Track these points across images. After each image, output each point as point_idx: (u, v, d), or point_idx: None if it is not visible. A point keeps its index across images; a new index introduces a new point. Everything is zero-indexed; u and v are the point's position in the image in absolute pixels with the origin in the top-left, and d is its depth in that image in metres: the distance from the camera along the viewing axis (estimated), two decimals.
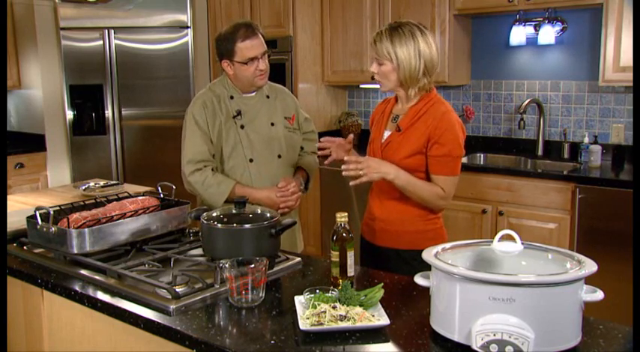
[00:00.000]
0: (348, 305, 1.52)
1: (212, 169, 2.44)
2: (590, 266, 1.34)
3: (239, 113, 2.48)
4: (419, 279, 1.51)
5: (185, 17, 5.18)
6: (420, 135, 2.11)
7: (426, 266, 1.59)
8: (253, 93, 2.52)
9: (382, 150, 2.20)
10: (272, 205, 2.40)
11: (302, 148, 2.67)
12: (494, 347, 1.28)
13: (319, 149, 2.30)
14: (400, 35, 2.09)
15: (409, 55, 2.08)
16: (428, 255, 1.45)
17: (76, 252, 1.92)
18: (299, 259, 1.99)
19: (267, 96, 2.56)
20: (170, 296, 1.64)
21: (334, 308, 1.50)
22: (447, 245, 1.52)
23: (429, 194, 2.11)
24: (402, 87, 2.16)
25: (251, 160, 2.47)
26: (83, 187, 3.32)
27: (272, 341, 1.42)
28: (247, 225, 1.83)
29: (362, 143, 4.98)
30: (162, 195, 2.30)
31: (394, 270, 2.00)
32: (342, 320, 1.46)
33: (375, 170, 2.07)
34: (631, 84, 3.61)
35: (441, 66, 4.19)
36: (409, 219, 2.18)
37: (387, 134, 2.22)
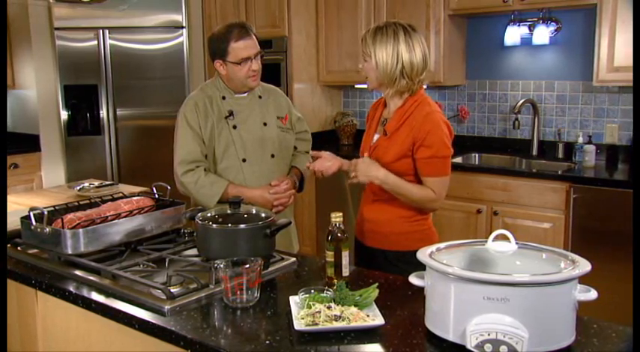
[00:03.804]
0: (343, 305, 1.52)
1: (204, 169, 2.44)
2: (584, 266, 1.34)
3: (231, 113, 2.48)
4: (414, 279, 1.51)
5: (180, 17, 5.17)
6: (404, 138, 2.11)
7: (411, 268, 1.60)
8: (245, 94, 2.52)
9: (370, 154, 2.20)
10: (265, 204, 2.40)
11: (295, 148, 2.67)
12: (488, 347, 1.28)
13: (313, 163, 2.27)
14: (382, 35, 2.09)
15: (387, 55, 2.08)
16: (422, 254, 1.45)
17: (70, 252, 1.91)
18: (294, 259, 1.99)
19: (260, 97, 2.56)
20: (165, 297, 1.63)
21: (329, 308, 1.50)
22: (442, 245, 1.52)
23: (419, 197, 2.11)
24: (382, 86, 2.17)
25: (244, 160, 2.47)
26: (78, 188, 3.32)
27: (267, 342, 1.42)
28: (242, 225, 1.83)
29: (357, 143, 4.98)
30: (157, 196, 2.29)
31: (381, 271, 2.00)
32: (336, 320, 1.46)
33: (364, 173, 2.09)
34: (625, 84, 3.63)
35: (435, 66, 4.20)
36: (395, 220, 2.18)
37: (375, 137, 2.22)
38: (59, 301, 1.82)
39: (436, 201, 2.13)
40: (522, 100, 4.12)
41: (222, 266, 1.61)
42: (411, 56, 2.08)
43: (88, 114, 5.03)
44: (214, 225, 1.84)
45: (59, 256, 1.96)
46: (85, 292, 1.76)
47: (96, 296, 1.72)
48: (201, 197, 2.41)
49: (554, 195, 3.55)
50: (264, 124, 2.53)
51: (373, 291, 1.57)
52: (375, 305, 1.55)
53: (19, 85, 5.13)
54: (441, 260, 1.40)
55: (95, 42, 4.97)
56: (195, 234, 1.95)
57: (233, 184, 2.44)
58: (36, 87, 5.00)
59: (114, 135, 5.12)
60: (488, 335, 1.28)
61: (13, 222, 2.23)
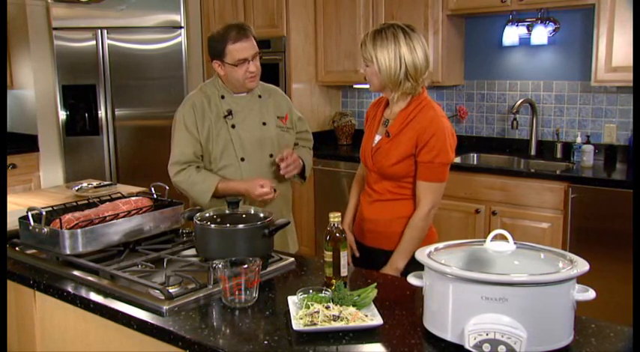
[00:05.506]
0: (341, 305, 1.52)
1: (197, 167, 2.45)
2: (582, 266, 1.34)
3: (230, 112, 2.47)
4: (412, 279, 1.51)
5: (178, 17, 5.17)
6: (407, 140, 2.09)
7: (412, 267, 1.60)
8: (245, 93, 2.52)
9: (372, 155, 2.19)
10: (252, 189, 2.37)
11: (296, 144, 2.68)
12: (486, 347, 1.28)
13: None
14: (382, 38, 2.06)
15: (389, 58, 2.05)
16: (421, 254, 1.45)
17: (68, 252, 1.91)
18: (292, 259, 1.99)
19: (260, 96, 2.56)
20: (163, 297, 1.63)
21: (327, 308, 1.50)
22: (440, 245, 1.52)
23: (422, 228, 2.11)
24: (385, 90, 2.15)
25: (242, 159, 2.47)
26: (76, 188, 3.32)
27: (265, 342, 1.42)
28: (240, 226, 1.83)
29: (355, 143, 4.98)
30: (155, 196, 2.29)
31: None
32: (335, 321, 1.46)
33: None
34: (623, 84, 3.63)
35: (434, 66, 4.20)
36: (395, 220, 2.17)
37: (377, 139, 2.20)
38: (57, 301, 1.81)
39: (429, 214, 2.11)
40: (520, 100, 4.13)
41: (220, 266, 1.61)
42: (414, 57, 2.06)
43: (87, 114, 5.03)
44: (212, 225, 1.84)
45: (57, 256, 1.95)
46: (83, 292, 1.75)
47: (94, 297, 1.72)
48: (196, 193, 2.42)
49: (552, 194, 3.55)
50: (263, 124, 2.53)
51: (372, 291, 1.57)
52: (373, 305, 1.55)
53: (18, 85, 5.13)
54: (439, 260, 1.40)
55: (93, 42, 4.97)
56: (193, 234, 1.95)
57: (224, 179, 2.44)
58: (34, 87, 5.00)
59: (112, 135, 5.12)
60: (487, 335, 1.28)
61: (11, 223, 2.23)
